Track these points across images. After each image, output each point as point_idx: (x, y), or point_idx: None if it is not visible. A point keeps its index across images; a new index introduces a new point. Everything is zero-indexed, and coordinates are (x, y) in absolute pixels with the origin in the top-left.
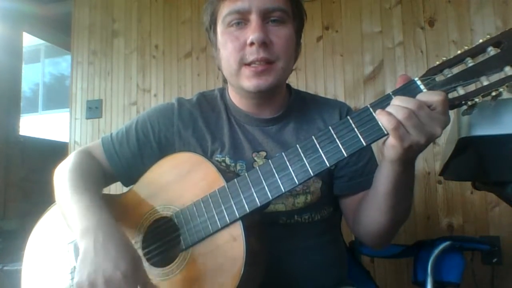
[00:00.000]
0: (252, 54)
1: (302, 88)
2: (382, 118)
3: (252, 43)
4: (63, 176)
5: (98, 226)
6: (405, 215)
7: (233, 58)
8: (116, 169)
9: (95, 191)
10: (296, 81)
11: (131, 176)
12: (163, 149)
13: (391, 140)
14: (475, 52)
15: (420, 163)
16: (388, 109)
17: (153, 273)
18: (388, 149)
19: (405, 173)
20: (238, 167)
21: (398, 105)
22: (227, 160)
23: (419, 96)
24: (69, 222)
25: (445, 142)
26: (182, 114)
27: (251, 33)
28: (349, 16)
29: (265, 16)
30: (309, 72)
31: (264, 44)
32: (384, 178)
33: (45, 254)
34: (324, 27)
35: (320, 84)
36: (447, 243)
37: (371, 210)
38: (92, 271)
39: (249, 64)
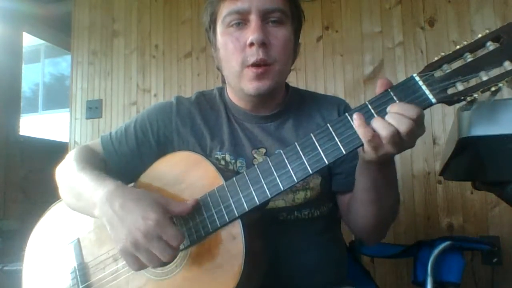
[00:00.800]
0: (252, 55)
1: (302, 88)
2: (359, 130)
3: (251, 44)
4: (67, 163)
5: (111, 192)
6: (391, 210)
7: (234, 60)
8: (116, 167)
9: (102, 170)
10: (296, 81)
11: (130, 174)
12: (162, 147)
13: (365, 147)
14: (474, 47)
15: (420, 163)
16: (375, 122)
17: (153, 272)
18: (366, 151)
19: (382, 171)
20: (239, 164)
21: (386, 123)
22: (227, 157)
23: (394, 108)
24: (83, 196)
25: (445, 142)
26: (180, 112)
27: (251, 34)
28: (349, 16)
29: (265, 17)
30: (309, 72)
31: (264, 45)
32: (361, 175)
33: (46, 254)
34: (324, 27)
35: (320, 84)
36: (447, 243)
37: (357, 205)
38: (128, 233)
39: (251, 66)
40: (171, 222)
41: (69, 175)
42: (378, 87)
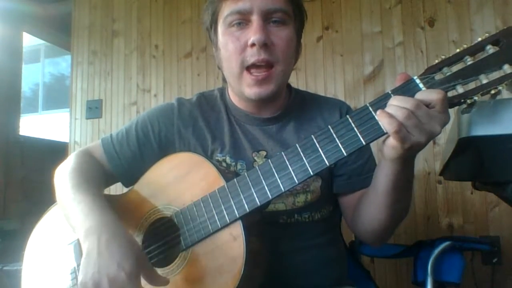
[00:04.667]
0: (253, 55)
1: (302, 88)
2: (383, 120)
3: (253, 44)
4: (64, 177)
5: (101, 226)
6: (404, 212)
7: (234, 60)
8: (117, 169)
9: (97, 191)
10: (296, 81)
11: (131, 176)
12: (164, 149)
13: (392, 141)
14: (474, 50)
15: (420, 163)
16: (388, 109)
17: None
18: (389, 149)
19: (405, 171)
20: (239, 167)
21: (397, 106)
22: (228, 159)
23: (418, 95)
24: (72, 222)
25: (445, 142)
26: (182, 114)
27: (252, 34)
28: (349, 16)
29: (266, 17)
30: (309, 72)
31: (265, 45)
32: (384, 176)
33: (46, 254)
34: (324, 27)
35: (320, 84)
36: (447, 243)
37: (371, 207)
38: (96, 272)
39: (250, 67)
40: (140, 283)
41: (62, 196)
42: (398, 81)
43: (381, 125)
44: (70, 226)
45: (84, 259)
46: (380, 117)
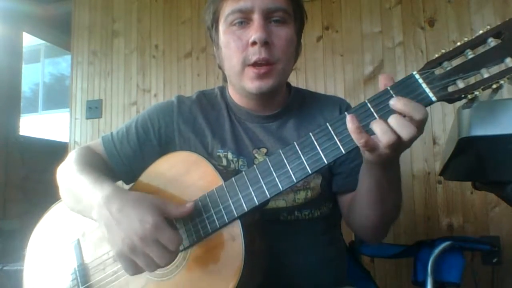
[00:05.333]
0: (254, 54)
1: (302, 88)
2: (353, 135)
3: (254, 43)
4: (68, 165)
5: (110, 195)
6: (394, 211)
7: (236, 59)
8: (117, 167)
9: (102, 173)
10: (296, 81)
11: (132, 174)
12: (164, 146)
13: (361, 150)
14: (475, 43)
15: (420, 163)
16: (376, 125)
17: (153, 273)
18: (365, 153)
19: (386, 172)
20: (241, 163)
21: (389, 128)
22: (230, 155)
23: (399, 104)
24: (83, 200)
25: (445, 142)
26: (182, 111)
27: (254, 33)
28: (349, 16)
29: (267, 16)
30: (309, 72)
31: (266, 43)
32: (365, 176)
33: (46, 254)
34: (324, 27)
35: (320, 84)
36: (447, 243)
37: (360, 205)
38: (125, 236)
39: (252, 65)
40: (168, 225)
41: (68, 177)
42: (381, 83)
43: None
44: (80, 212)
45: (107, 233)
46: (351, 132)
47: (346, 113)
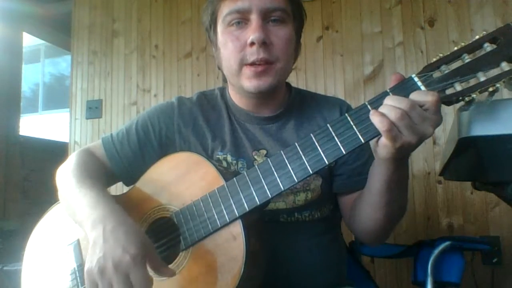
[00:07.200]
0: (252, 54)
1: (302, 88)
2: (375, 119)
3: (252, 43)
4: (67, 175)
5: (107, 215)
6: (400, 212)
7: (233, 59)
8: (118, 169)
9: (101, 186)
10: (296, 81)
11: (132, 175)
12: (164, 148)
13: (384, 140)
14: (471, 48)
15: (420, 163)
16: (381, 109)
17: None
18: (381, 148)
19: (398, 171)
20: (239, 165)
21: (391, 105)
22: (229, 157)
23: (412, 96)
24: (78, 217)
25: (445, 142)
26: (182, 112)
27: (252, 33)
28: (349, 16)
29: (266, 16)
30: (309, 72)
31: (264, 44)
32: (377, 176)
33: (46, 255)
34: (324, 27)
35: (320, 84)
36: (447, 243)
37: (367, 207)
38: (102, 257)
39: (249, 64)
40: (145, 267)
41: (67, 190)
42: (392, 82)
43: (374, 123)
44: (76, 222)
45: (90, 248)
46: (373, 116)
47: (346, 114)
